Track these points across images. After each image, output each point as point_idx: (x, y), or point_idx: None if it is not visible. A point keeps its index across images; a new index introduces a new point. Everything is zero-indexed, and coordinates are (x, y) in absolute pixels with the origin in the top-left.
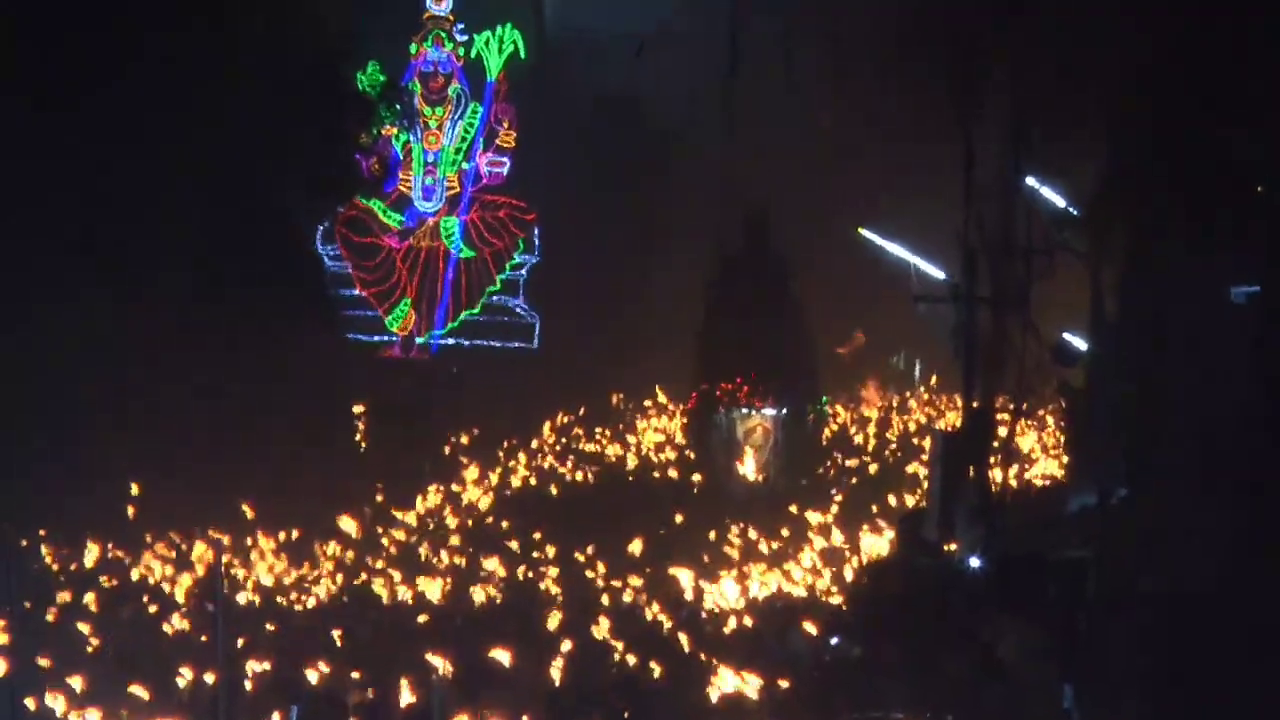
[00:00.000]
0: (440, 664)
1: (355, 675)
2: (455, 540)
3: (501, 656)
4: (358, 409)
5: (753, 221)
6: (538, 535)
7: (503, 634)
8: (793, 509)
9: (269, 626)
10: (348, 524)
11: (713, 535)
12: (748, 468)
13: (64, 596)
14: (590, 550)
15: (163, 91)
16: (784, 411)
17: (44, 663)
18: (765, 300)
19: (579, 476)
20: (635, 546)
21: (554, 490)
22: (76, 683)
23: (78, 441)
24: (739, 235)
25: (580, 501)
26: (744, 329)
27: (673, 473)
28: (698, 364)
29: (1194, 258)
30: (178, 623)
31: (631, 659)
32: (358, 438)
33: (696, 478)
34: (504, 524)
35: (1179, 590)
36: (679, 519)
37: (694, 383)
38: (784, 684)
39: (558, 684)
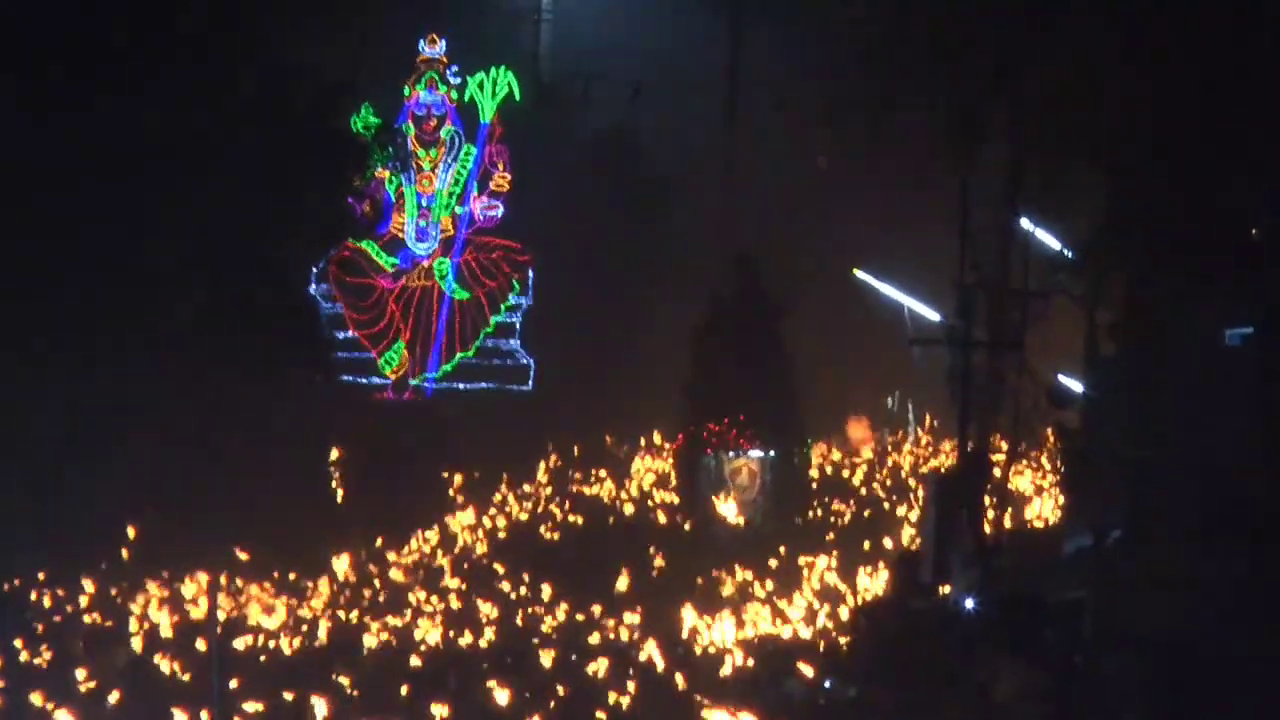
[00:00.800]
0: (437, 710)
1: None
2: (451, 582)
3: (498, 697)
4: (351, 451)
5: (741, 263)
6: (527, 577)
7: (498, 676)
8: (781, 551)
9: (263, 667)
10: (341, 566)
11: (708, 575)
12: (735, 509)
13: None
14: (584, 592)
15: (154, 133)
16: (771, 454)
17: (38, 702)
18: (753, 342)
19: (572, 519)
20: (627, 586)
21: (546, 533)
22: None
23: (71, 483)
24: (729, 276)
25: (574, 543)
26: (732, 371)
27: (661, 516)
28: (685, 405)
29: (1189, 301)
30: (172, 665)
31: (625, 700)
32: (351, 481)
33: (688, 520)
34: (498, 567)
35: (1176, 634)
36: (671, 560)
37: (682, 424)
38: None
39: None
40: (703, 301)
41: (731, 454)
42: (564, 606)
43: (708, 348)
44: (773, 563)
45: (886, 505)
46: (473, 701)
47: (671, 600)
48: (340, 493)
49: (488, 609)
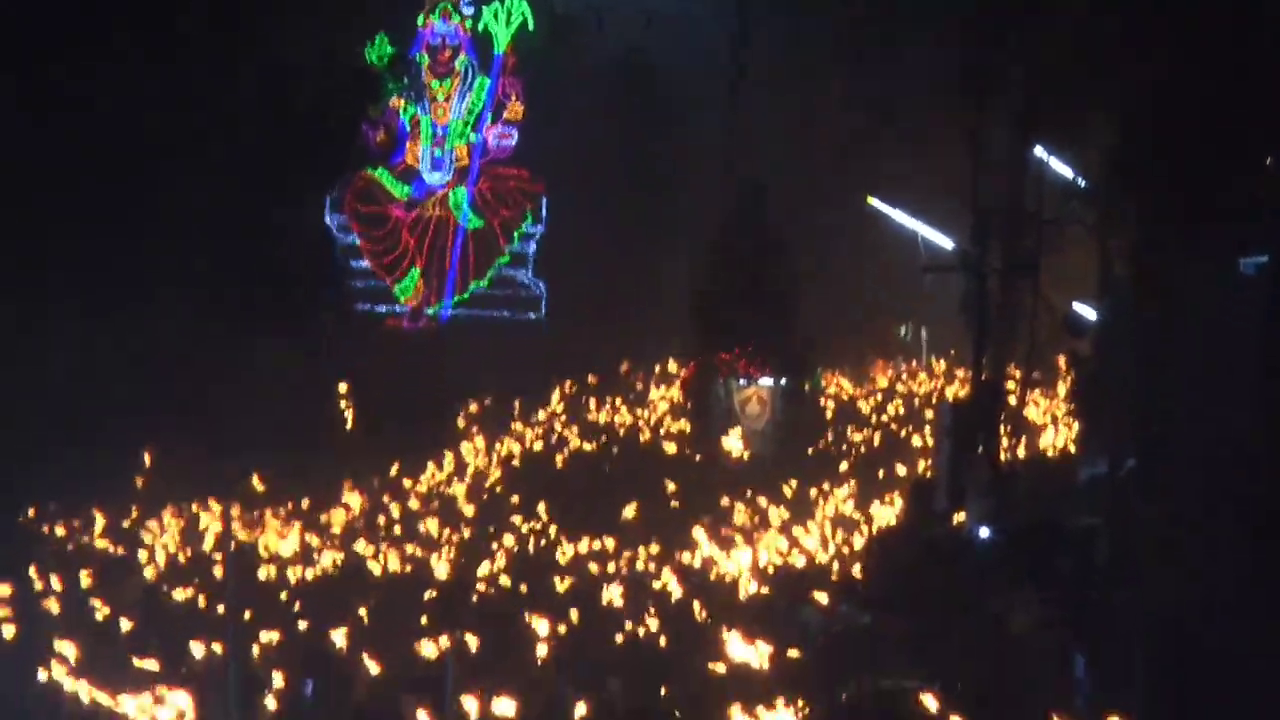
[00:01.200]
0: (447, 640)
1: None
2: (467, 509)
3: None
4: (365, 379)
5: (751, 191)
6: (542, 506)
7: (513, 607)
8: (792, 480)
9: (280, 597)
10: (354, 496)
11: (720, 505)
12: (744, 438)
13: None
14: (598, 521)
15: (171, 65)
16: (782, 382)
17: (56, 640)
18: (762, 270)
19: (586, 447)
20: (635, 514)
21: (560, 462)
22: (80, 654)
23: (86, 412)
24: (737, 204)
25: (588, 472)
26: (740, 300)
27: (672, 446)
28: (695, 334)
29: (1203, 228)
30: (186, 594)
31: (641, 629)
32: (365, 409)
33: (696, 449)
34: (513, 497)
35: (1189, 560)
36: (683, 490)
37: (691, 353)
38: (793, 654)
39: (569, 653)
40: (715, 229)
41: (742, 382)
42: (578, 537)
43: (716, 276)
44: (787, 491)
45: (901, 434)
46: (490, 631)
47: (686, 529)
48: (354, 421)
49: (502, 539)
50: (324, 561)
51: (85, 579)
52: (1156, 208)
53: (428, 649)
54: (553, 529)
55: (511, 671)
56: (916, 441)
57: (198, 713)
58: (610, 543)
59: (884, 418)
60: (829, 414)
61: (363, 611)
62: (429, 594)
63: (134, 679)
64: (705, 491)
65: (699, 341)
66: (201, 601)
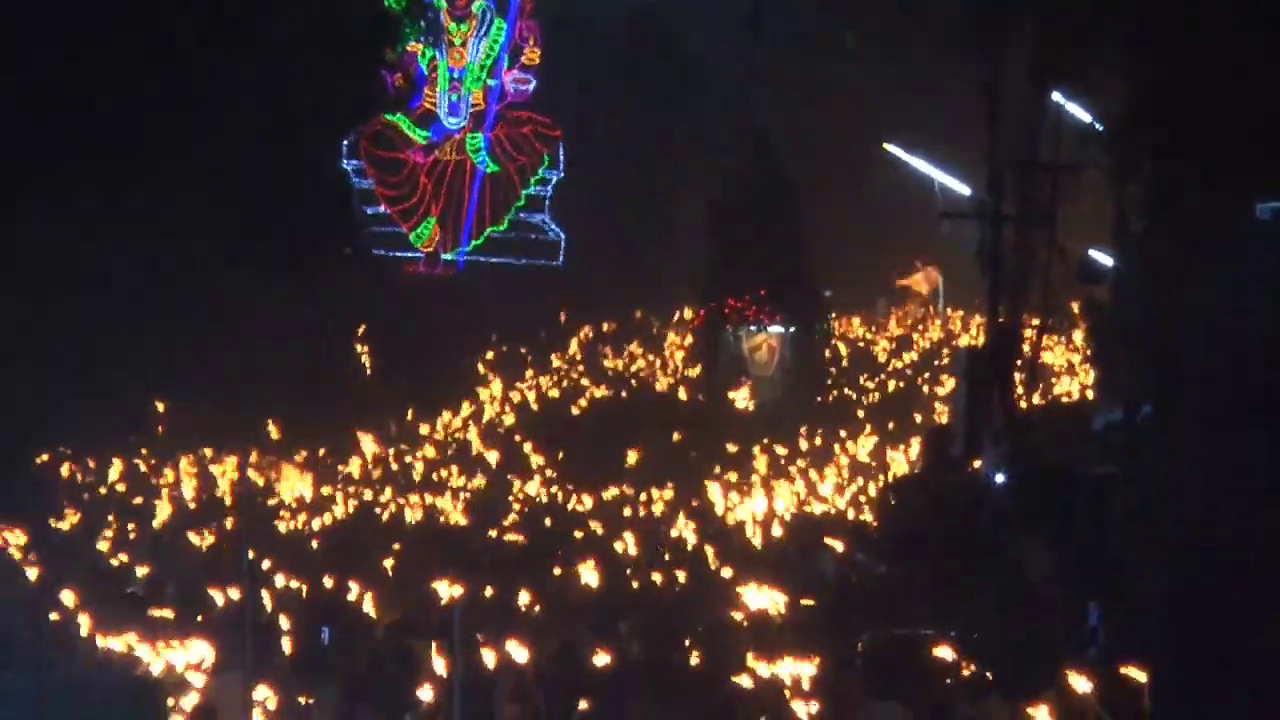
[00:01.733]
0: (457, 590)
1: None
2: (488, 455)
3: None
4: (382, 325)
5: (758, 139)
6: (561, 456)
7: (530, 555)
8: (802, 429)
9: (296, 545)
10: (370, 444)
11: (732, 452)
12: (754, 385)
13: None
14: (613, 469)
15: (185, 10)
16: (792, 329)
17: (72, 587)
18: (771, 218)
19: (600, 393)
20: (638, 461)
21: (575, 410)
22: (97, 600)
23: (101, 359)
24: (746, 152)
25: (604, 420)
26: (750, 247)
27: (683, 394)
28: (705, 281)
29: (1220, 173)
30: (202, 539)
31: (657, 575)
32: (382, 355)
33: (710, 396)
34: (528, 445)
35: (1205, 510)
36: (694, 437)
37: (702, 300)
38: (809, 602)
39: (586, 599)
40: (723, 176)
41: (752, 328)
42: (593, 484)
43: (724, 224)
44: (801, 439)
45: (918, 381)
46: (505, 578)
47: (700, 477)
48: (371, 367)
49: (518, 487)
50: (340, 509)
51: (100, 525)
52: (1172, 153)
53: (442, 595)
54: (567, 478)
55: (526, 618)
56: (929, 390)
57: (215, 659)
58: (625, 490)
59: (899, 364)
60: (844, 360)
61: (385, 562)
62: (444, 541)
63: (150, 625)
64: (718, 439)
65: (709, 288)
66: (218, 548)
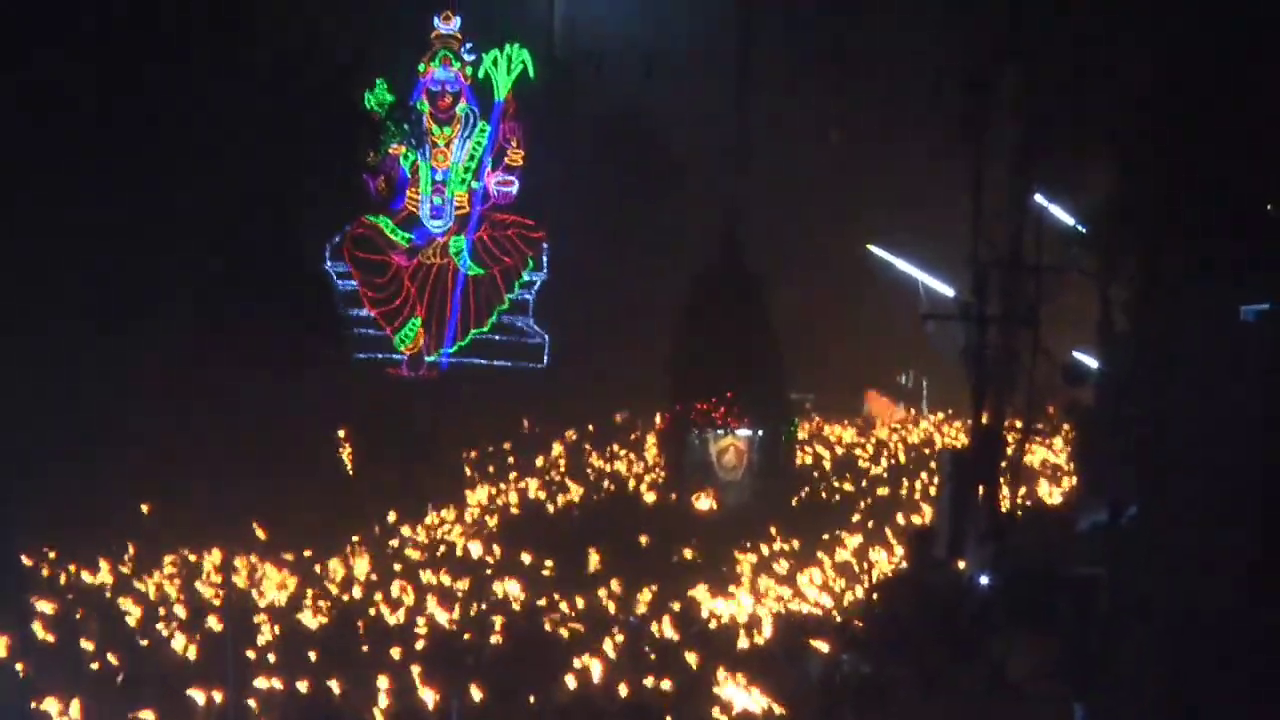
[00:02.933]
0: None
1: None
2: (474, 547)
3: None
4: (366, 427)
5: (725, 240)
6: (537, 561)
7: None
8: (773, 531)
9: (280, 647)
10: (354, 544)
11: (704, 554)
12: (722, 488)
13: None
14: (598, 570)
15: (170, 108)
16: (759, 433)
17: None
18: (737, 320)
19: (573, 498)
20: (635, 564)
21: (552, 509)
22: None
23: (85, 462)
24: (714, 254)
25: (583, 522)
26: (716, 349)
27: (650, 496)
28: (671, 385)
29: (1204, 276)
30: (186, 643)
31: (648, 680)
32: (366, 457)
33: (677, 500)
34: (515, 545)
35: (1191, 610)
36: (660, 539)
37: (668, 404)
38: (789, 708)
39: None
40: (694, 278)
41: (719, 432)
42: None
43: (692, 326)
44: (781, 541)
45: (902, 481)
46: (489, 680)
47: (683, 579)
48: (355, 470)
49: (502, 588)
50: (324, 611)
51: (84, 627)
52: (1156, 255)
53: (429, 699)
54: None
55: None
56: (917, 489)
57: None
58: (613, 590)
59: (868, 470)
60: (827, 463)
61: (364, 660)
62: (430, 643)
63: None
64: (691, 541)
65: (675, 392)
66: (198, 651)
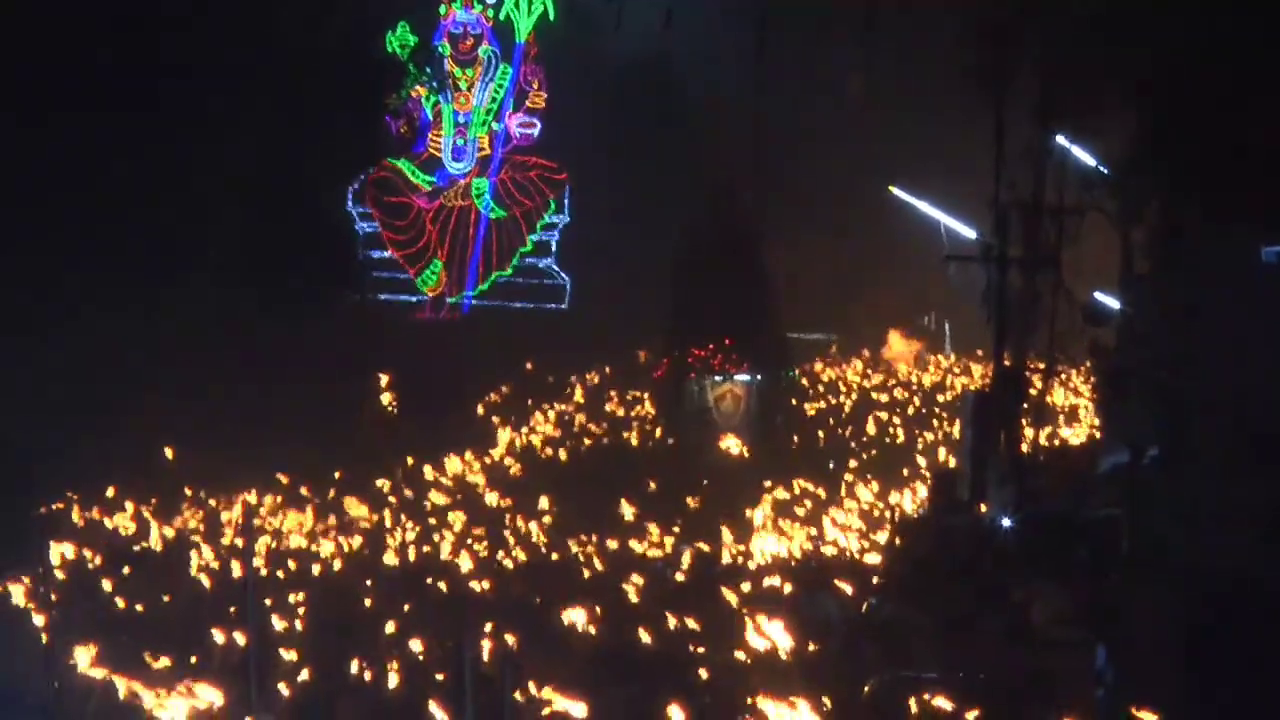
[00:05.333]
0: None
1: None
2: (490, 497)
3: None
4: (388, 370)
5: (724, 187)
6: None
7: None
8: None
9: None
10: (375, 488)
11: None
12: (719, 434)
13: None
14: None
15: (191, 56)
16: (757, 378)
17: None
18: (736, 266)
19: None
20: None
21: (576, 454)
22: (103, 646)
23: (110, 407)
24: (714, 200)
25: (603, 465)
26: (715, 295)
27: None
28: (670, 330)
29: (1225, 218)
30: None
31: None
32: (387, 400)
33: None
34: (535, 488)
35: (1209, 559)
36: (664, 483)
37: (665, 350)
38: (814, 645)
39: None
40: (697, 225)
41: (717, 378)
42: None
43: (691, 272)
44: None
45: (924, 423)
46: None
47: (705, 521)
48: (376, 412)
49: (525, 530)
50: (344, 553)
51: (105, 571)
52: (1177, 196)
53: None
54: (572, 522)
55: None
56: (939, 432)
57: (222, 704)
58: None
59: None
60: (849, 405)
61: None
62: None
63: (155, 671)
64: (686, 486)
65: (674, 338)
66: (223, 591)
